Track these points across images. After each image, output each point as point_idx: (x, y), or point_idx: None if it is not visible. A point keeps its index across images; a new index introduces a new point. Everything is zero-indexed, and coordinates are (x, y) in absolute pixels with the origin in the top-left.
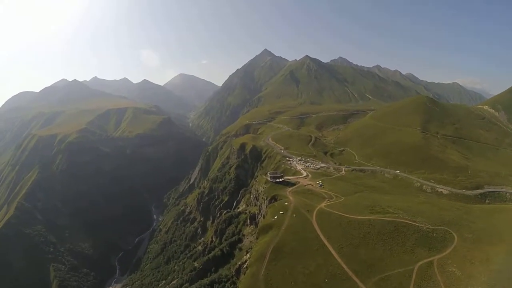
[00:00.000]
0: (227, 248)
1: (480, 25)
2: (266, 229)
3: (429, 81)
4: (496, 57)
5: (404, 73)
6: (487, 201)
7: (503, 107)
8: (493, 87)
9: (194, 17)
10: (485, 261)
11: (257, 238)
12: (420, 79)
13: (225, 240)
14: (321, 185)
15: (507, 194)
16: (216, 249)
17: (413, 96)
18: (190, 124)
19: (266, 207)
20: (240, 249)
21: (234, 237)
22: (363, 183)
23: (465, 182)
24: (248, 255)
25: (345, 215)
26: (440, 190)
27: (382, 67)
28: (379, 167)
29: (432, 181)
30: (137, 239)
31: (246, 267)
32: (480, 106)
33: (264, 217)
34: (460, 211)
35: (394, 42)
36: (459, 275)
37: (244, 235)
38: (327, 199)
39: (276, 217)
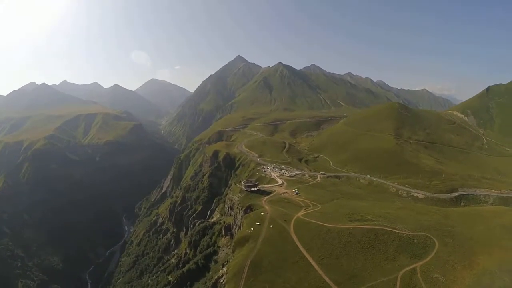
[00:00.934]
0: (202, 261)
1: (451, 27)
2: (243, 241)
3: (399, 88)
4: (466, 58)
5: (375, 80)
6: (462, 203)
7: (472, 112)
8: (460, 93)
9: (168, 22)
10: (467, 266)
11: (233, 251)
12: (391, 86)
13: (200, 252)
14: (297, 193)
15: (481, 196)
16: (191, 262)
17: (385, 103)
18: (162, 131)
19: (242, 218)
20: (216, 262)
21: (209, 249)
22: (339, 190)
23: (439, 186)
24: (224, 269)
25: (324, 224)
26: (416, 194)
27: (354, 74)
28: (354, 173)
29: (407, 186)
30: (108, 251)
31: (223, 283)
32: (450, 111)
33: (239, 228)
34: (438, 215)
35: (365, 47)
36: (443, 281)
37: (219, 247)
38: (304, 208)
39: (252, 229)
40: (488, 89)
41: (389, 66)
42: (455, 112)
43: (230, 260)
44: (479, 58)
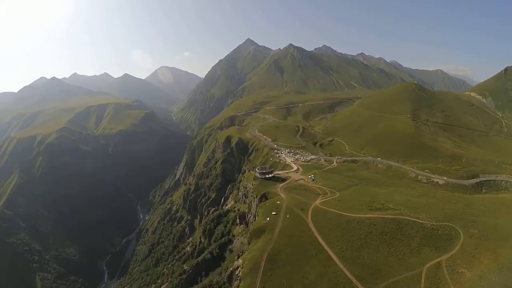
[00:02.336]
0: (216, 250)
1: (460, 17)
2: (258, 233)
3: (413, 68)
4: (476, 47)
5: (388, 61)
6: (483, 190)
7: (490, 93)
8: (475, 75)
9: (174, 8)
10: (493, 259)
11: (248, 243)
12: (404, 66)
13: (214, 241)
14: (313, 180)
15: (503, 182)
16: (206, 252)
17: (400, 83)
18: (174, 118)
19: (257, 207)
20: (231, 251)
21: (223, 238)
22: (357, 175)
23: (460, 171)
24: (240, 260)
25: (343, 213)
26: (436, 180)
27: (366, 54)
28: (371, 157)
29: (427, 171)
30: (124, 240)
31: (239, 277)
32: (467, 92)
33: (254, 217)
34: (461, 204)
35: (376, 35)
36: (469, 277)
37: (234, 236)
38: (321, 196)
39: (268, 219)
40: (506, 70)
41: (402, 47)
42: (473, 94)
43: (246, 251)
44: (492, 39)
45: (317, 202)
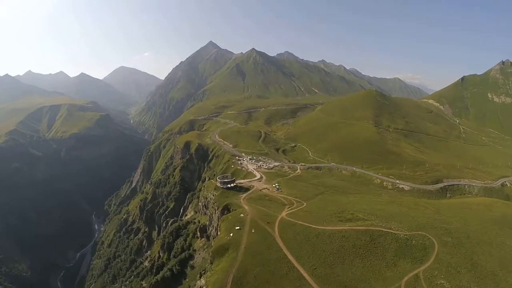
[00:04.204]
0: (177, 267)
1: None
2: (222, 251)
3: (371, 76)
4: (429, 56)
5: (348, 68)
6: (448, 195)
7: (447, 100)
8: (430, 83)
9: (137, 6)
10: (471, 268)
11: (211, 263)
12: (363, 74)
13: (174, 256)
14: (278, 189)
15: (466, 186)
16: (165, 269)
17: (362, 91)
18: (131, 121)
19: (218, 219)
20: (192, 267)
21: (184, 253)
22: (322, 183)
23: (424, 176)
24: (202, 280)
25: (312, 226)
26: (401, 186)
27: (327, 61)
28: (334, 164)
29: (391, 177)
30: (78, 254)
31: None
32: (425, 100)
33: (216, 230)
34: (429, 210)
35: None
36: (449, 287)
37: (195, 250)
38: (287, 206)
39: (231, 234)
40: (463, 79)
41: (361, 55)
42: (431, 101)
43: (208, 271)
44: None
45: (284, 213)
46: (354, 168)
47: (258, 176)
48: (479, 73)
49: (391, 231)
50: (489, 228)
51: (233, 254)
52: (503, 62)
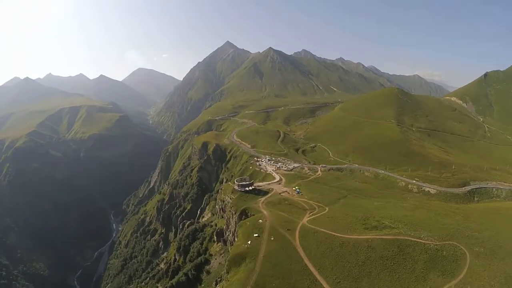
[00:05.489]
0: (192, 272)
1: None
2: (239, 260)
3: (390, 73)
4: (453, 51)
5: (366, 66)
6: (476, 198)
7: (470, 98)
8: (450, 80)
9: (156, 9)
10: (504, 281)
11: (227, 272)
12: (382, 71)
13: (190, 260)
14: (298, 192)
15: (494, 189)
16: (181, 274)
17: (383, 88)
18: (150, 121)
19: (235, 224)
20: (208, 273)
21: (200, 258)
22: (344, 186)
23: (451, 179)
24: None
25: (336, 234)
26: (427, 189)
27: (345, 59)
28: (357, 165)
29: (416, 179)
30: (96, 253)
31: None
32: (447, 97)
33: (233, 235)
34: (459, 216)
35: (355, 39)
36: None
37: (211, 255)
38: (309, 211)
39: (249, 242)
40: (486, 75)
41: (379, 54)
42: (453, 98)
43: (224, 281)
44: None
45: (305, 220)
46: (377, 170)
47: (277, 178)
48: (501, 69)
49: (421, 240)
50: None
51: (251, 264)
52: None
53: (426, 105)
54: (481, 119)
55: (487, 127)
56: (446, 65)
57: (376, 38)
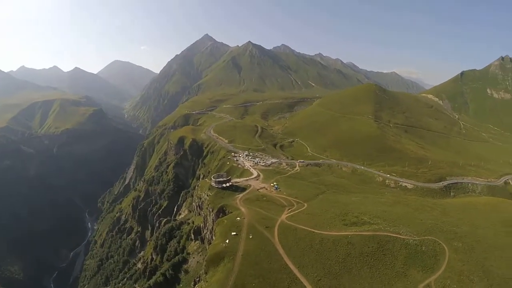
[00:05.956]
0: (170, 271)
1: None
2: (217, 260)
3: (368, 70)
4: (428, 49)
5: (345, 62)
6: (452, 193)
7: (447, 96)
8: (426, 77)
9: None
10: (483, 275)
11: (205, 273)
12: (360, 67)
13: (167, 260)
14: (277, 188)
15: (469, 185)
16: (158, 274)
17: (361, 84)
18: (126, 115)
19: (213, 222)
20: (187, 272)
21: (177, 257)
22: (322, 181)
23: (427, 174)
24: None
25: (315, 230)
26: (404, 184)
27: (324, 55)
28: (335, 160)
29: (394, 174)
30: (71, 253)
31: None
32: (424, 94)
33: (211, 233)
34: (436, 212)
35: (333, 36)
36: None
37: (189, 254)
38: (287, 208)
39: (227, 241)
40: (462, 74)
41: (357, 50)
42: (430, 96)
43: (202, 281)
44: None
45: (284, 216)
46: (355, 165)
47: (255, 174)
48: (478, 68)
49: (400, 236)
50: (498, 230)
51: (229, 264)
52: (502, 58)
53: (403, 101)
54: (457, 116)
55: (462, 124)
56: (423, 63)
57: (355, 37)
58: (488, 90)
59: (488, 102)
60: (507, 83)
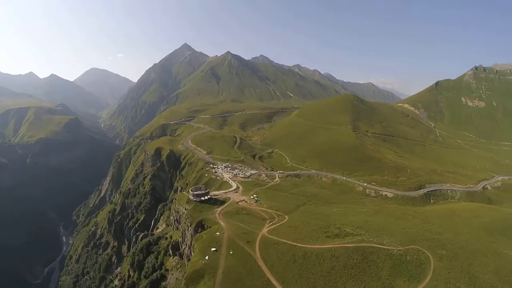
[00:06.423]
0: None
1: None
2: (196, 278)
3: (345, 80)
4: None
5: (322, 73)
6: (431, 200)
7: (422, 105)
8: (401, 88)
9: (114, 5)
10: (469, 281)
11: None
12: (337, 78)
13: (145, 276)
14: (256, 201)
15: (448, 191)
16: None
17: (338, 95)
18: (102, 125)
19: (192, 237)
20: None
21: (155, 273)
22: (303, 192)
23: (407, 182)
24: None
25: (298, 244)
26: (384, 193)
27: (302, 66)
28: (314, 171)
29: (373, 183)
30: (46, 269)
31: None
32: (400, 104)
33: (190, 248)
34: (418, 219)
35: (311, 44)
36: None
37: (167, 270)
38: (268, 221)
39: (207, 258)
40: (437, 83)
41: (334, 61)
42: (406, 105)
43: None
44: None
45: (265, 230)
46: (335, 175)
47: (234, 186)
48: (452, 78)
49: (384, 246)
50: (480, 235)
51: (210, 282)
52: (476, 68)
53: (380, 111)
54: (432, 125)
55: (438, 132)
56: (398, 73)
57: (333, 44)
58: (462, 98)
59: (463, 110)
60: (481, 91)
